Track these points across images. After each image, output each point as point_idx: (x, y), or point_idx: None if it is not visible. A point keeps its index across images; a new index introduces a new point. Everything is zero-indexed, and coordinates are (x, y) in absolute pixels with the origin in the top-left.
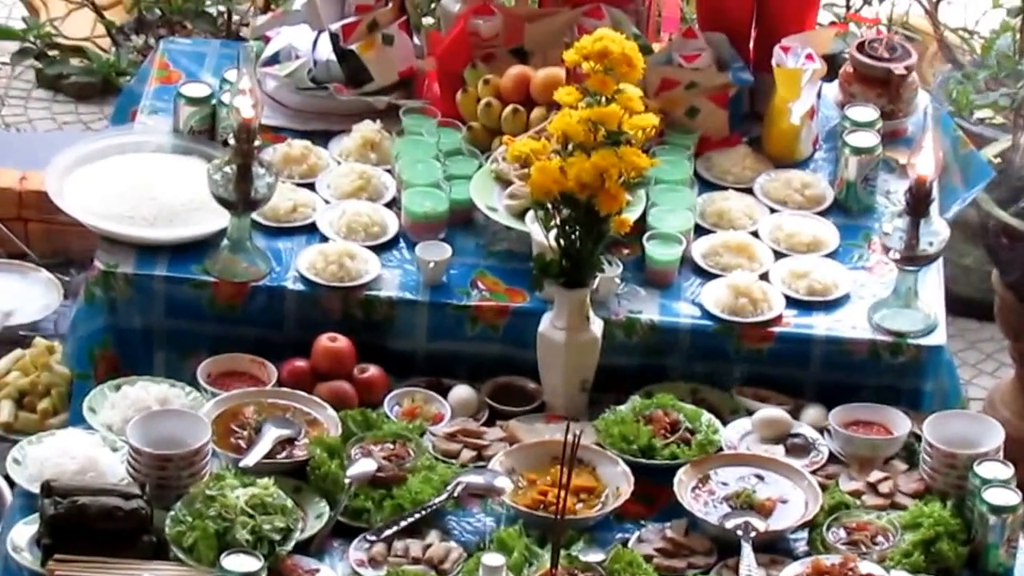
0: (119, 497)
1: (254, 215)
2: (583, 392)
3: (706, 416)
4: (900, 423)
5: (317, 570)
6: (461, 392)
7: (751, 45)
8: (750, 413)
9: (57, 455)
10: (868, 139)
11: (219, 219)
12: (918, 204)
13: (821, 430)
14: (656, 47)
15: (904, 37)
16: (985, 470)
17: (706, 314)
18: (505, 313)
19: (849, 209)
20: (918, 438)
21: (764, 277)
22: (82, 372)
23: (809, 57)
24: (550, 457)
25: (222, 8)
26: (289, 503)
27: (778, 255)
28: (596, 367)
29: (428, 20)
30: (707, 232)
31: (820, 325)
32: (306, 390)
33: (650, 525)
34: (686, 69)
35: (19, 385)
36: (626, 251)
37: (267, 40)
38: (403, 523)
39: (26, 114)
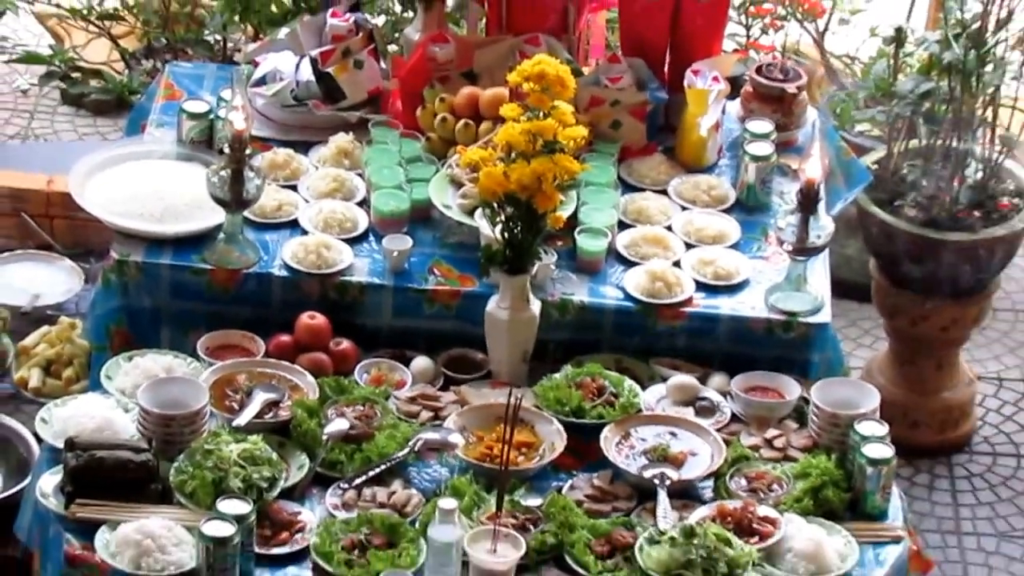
0: (130, 451)
1: (245, 212)
2: (523, 362)
3: (628, 382)
4: (792, 389)
5: (298, 513)
6: (420, 362)
7: (666, 69)
8: (665, 380)
9: (78, 415)
10: (765, 148)
11: (216, 216)
12: (807, 203)
13: (725, 394)
14: (585, 70)
15: (795, 62)
16: (864, 428)
17: (628, 296)
18: (457, 296)
19: (749, 207)
20: (807, 401)
21: (677, 265)
22: (99, 345)
23: (715, 79)
24: (495, 417)
25: (218, 37)
26: (275, 456)
27: (688, 246)
28: (535, 341)
29: (393, 47)
30: (628, 227)
31: (724, 306)
32: (289, 360)
33: (580, 475)
34: (611, 89)
35: (46, 356)
36: (560, 243)
37: (256, 64)
38: (371, 473)
39: (52, 127)
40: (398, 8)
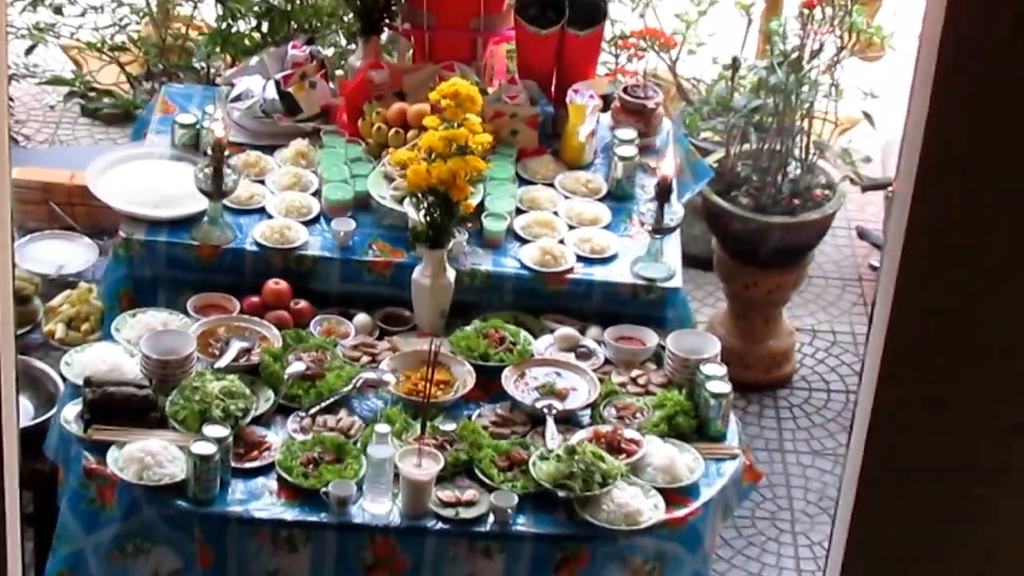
0: (135, 387)
1: (224, 201)
2: (442, 318)
3: (523, 334)
4: (651, 338)
5: (265, 436)
6: (361, 318)
7: (552, 88)
8: (552, 332)
9: (94, 360)
10: (630, 151)
11: (201, 203)
12: (663, 193)
13: (599, 343)
14: (490, 90)
15: (654, 83)
16: (708, 369)
17: (523, 267)
18: (391, 266)
19: (618, 197)
20: (663, 348)
21: (562, 242)
22: (111, 305)
23: (591, 96)
24: (420, 361)
25: (203, 64)
26: (247, 391)
27: (571, 227)
28: (450, 301)
29: (339, 72)
30: (524, 212)
31: (598, 274)
32: (259, 316)
33: (486, 406)
34: (510, 104)
35: (69, 313)
36: (470, 224)
37: (233, 85)
38: (323, 404)
39: (74, 134)
40: (344, 41)
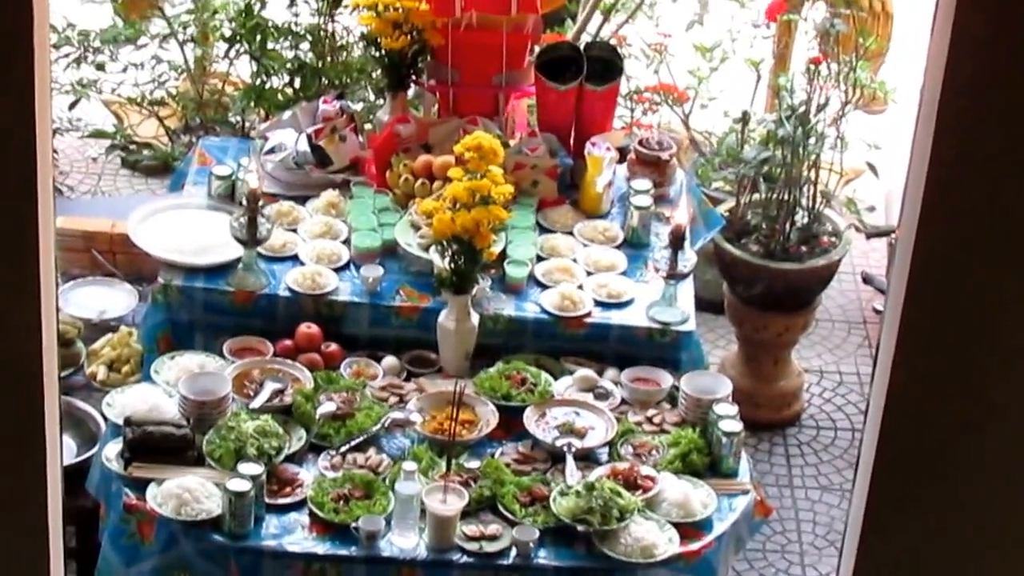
0: (173, 427)
1: (259, 249)
2: (466, 360)
3: (544, 375)
4: (666, 379)
5: (298, 473)
6: (389, 360)
7: (571, 141)
8: (571, 373)
9: (134, 400)
10: (645, 200)
11: (236, 251)
12: (676, 241)
13: (616, 384)
14: (511, 143)
15: (668, 136)
16: (720, 409)
17: (544, 311)
18: (417, 311)
19: (633, 244)
20: (677, 389)
21: (580, 287)
22: (150, 348)
23: (608, 149)
24: (445, 401)
25: (239, 118)
26: (280, 430)
27: (588, 273)
28: (474, 344)
29: (368, 126)
30: (544, 259)
31: (615, 317)
32: (291, 359)
33: (508, 444)
34: (531, 156)
35: (110, 356)
36: (493, 271)
37: (267, 138)
38: (352, 443)
39: (115, 185)
40: (372, 97)
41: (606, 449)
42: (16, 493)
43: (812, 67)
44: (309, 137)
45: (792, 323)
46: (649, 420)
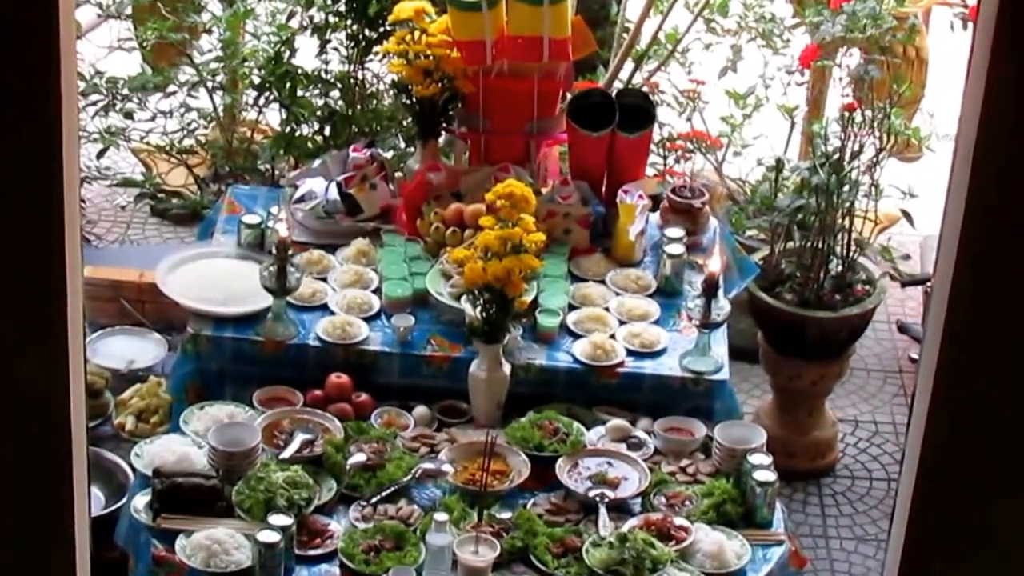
0: (202, 478)
1: (288, 298)
2: (498, 410)
3: (576, 425)
4: (700, 429)
5: (328, 524)
6: (420, 410)
7: (603, 189)
8: (604, 423)
9: (163, 451)
10: (678, 248)
11: (266, 300)
12: (710, 289)
13: (649, 433)
14: (543, 190)
15: (701, 184)
16: (754, 459)
17: (576, 360)
18: (448, 360)
19: (667, 293)
20: (711, 438)
21: (612, 336)
22: (179, 398)
23: (640, 196)
24: (477, 451)
25: (268, 166)
26: (311, 481)
27: (621, 322)
28: (506, 394)
29: (399, 174)
30: (576, 308)
31: (648, 367)
32: (321, 409)
33: (540, 495)
34: (563, 204)
35: (139, 406)
36: (524, 320)
37: (296, 186)
38: (383, 493)
39: (143, 234)
40: (403, 144)
41: (639, 499)
42: (44, 545)
43: (846, 114)
44: (339, 185)
45: (827, 372)
46: (683, 470)
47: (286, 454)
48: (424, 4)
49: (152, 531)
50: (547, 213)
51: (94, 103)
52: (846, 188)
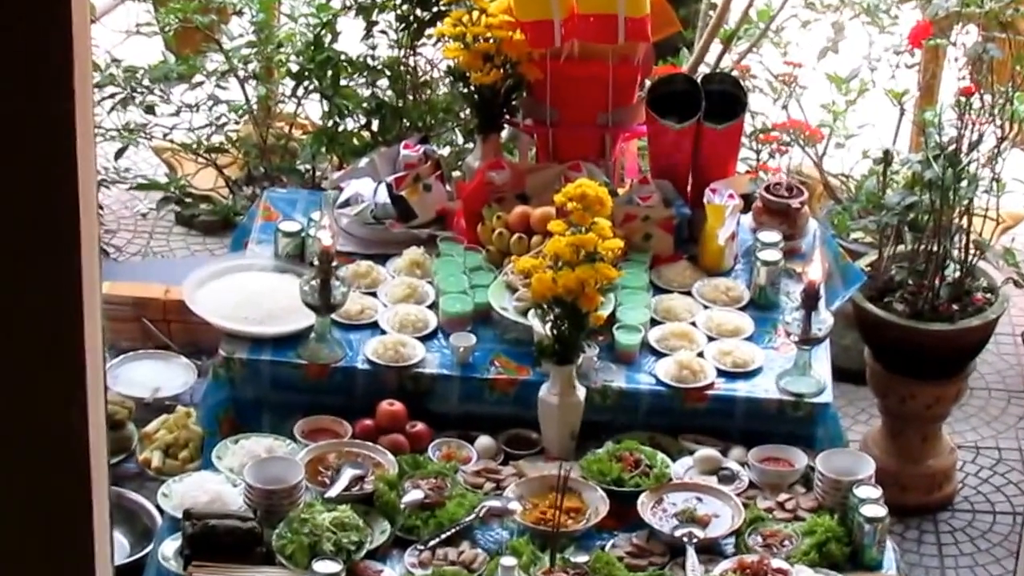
0: (238, 520)
1: (333, 316)
2: (572, 440)
3: (660, 456)
4: (800, 459)
5: (381, 571)
6: (484, 441)
7: (688, 188)
8: (692, 453)
9: (194, 490)
10: (774, 255)
11: (308, 319)
12: (810, 301)
13: (743, 464)
14: (620, 191)
15: (799, 181)
16: (861, 492)
17: (659, 382)
18: (515, 384)
19: (761, 305)
20: (813, 469)
21: (701, 355)
22: (211, 430)
23: (731, 196)
24: (548, 487)
25: (308, 166)
26: (361, 523)
27: (710, 339)
28: (580, 421)
29: (456, 173)
30: (659, 323)
31: (741, 389)
32: (372, 441)
33: (621, 535)
34: (642, 206)
35: (166, 440)
36: (601, 337)
37: (341, 189)
38: (443, 536)
39: (168, 244)
40: (460, 140)
41: (732, 539)
42: None
43: (963, 99)
44: (389, 187)
45: (943, 393)
46: (781, 506)
47: (333, 492)
48: None
49: None
50: (625, 216)
51: (111, 96)
52: (963, 183)
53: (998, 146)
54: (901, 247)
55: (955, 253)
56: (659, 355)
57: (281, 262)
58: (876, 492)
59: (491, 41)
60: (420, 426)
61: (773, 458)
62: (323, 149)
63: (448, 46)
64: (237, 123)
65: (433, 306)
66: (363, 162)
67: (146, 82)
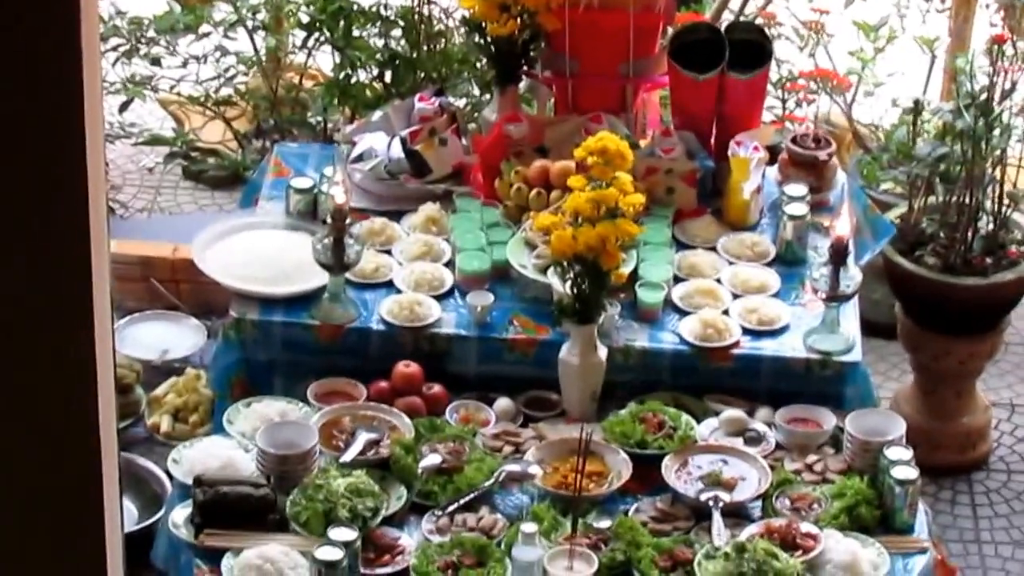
0: (251, 487)
1: (347, 275)
2: (593, 401)
3: (684, 417)
4: (828, 419)
5: (398, 538)
6: (503, 403)
7: (712, 140)
8: (717, 414)
9: (204, 456)
10: (800, 208)
11: (321, 278)
12: (838, 256)
13: (769, 425)
14: (642, 143)
15: (826, 131)
16: (892, 453)
17: (683, 341)
18: (534, 344)
19: (787, 261)
20: (842, 430)
21: (726, 313)
22: (221, 393)
23: (755, 148)
24: (569, 450)
25: (320, 119)
26: (377, 488)
27: (735, 296)
28: (602, 382)
29: (473, 126)
30: (682, 280)
31: (768, 348)
32: (388, 404)
33: (644, 499)
34: (664, 159)
35: (175, 404)
36: (622, 296)
37: (354, 143)
38: (461, 501)
39: (176, 201)
40: (477, 92)
41: (759, 503)
42: (71, 567)
43: (995, 47)
44: (403, 141)
45: (976, 349)
46: (809, 468)
47: (347, 457)
48: None
49: (194, 549)
50: (647, 170)
51: (114, 48)
52: (996, 133)
53: None
54: (932, 199)
55: (988, 205)
56: (683, 313)
57: (293, 219)
58: (907, 453)
59: None
60: (437, 388)
61: (801, 419)
62: (335, 101)
63: None
64: (246, 75)
65: (449, 264)
66: (376, 115)
67: (151, 33)
